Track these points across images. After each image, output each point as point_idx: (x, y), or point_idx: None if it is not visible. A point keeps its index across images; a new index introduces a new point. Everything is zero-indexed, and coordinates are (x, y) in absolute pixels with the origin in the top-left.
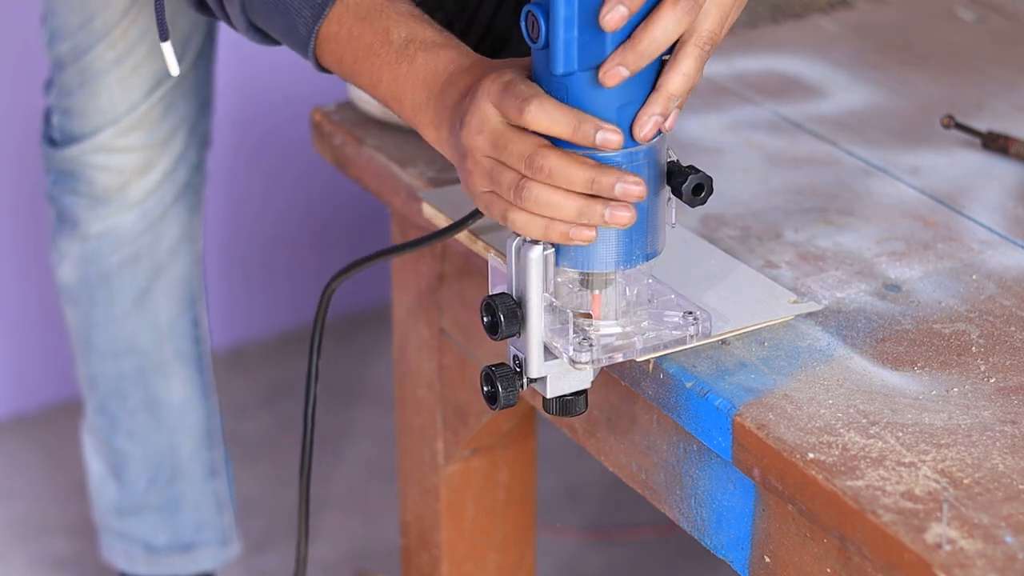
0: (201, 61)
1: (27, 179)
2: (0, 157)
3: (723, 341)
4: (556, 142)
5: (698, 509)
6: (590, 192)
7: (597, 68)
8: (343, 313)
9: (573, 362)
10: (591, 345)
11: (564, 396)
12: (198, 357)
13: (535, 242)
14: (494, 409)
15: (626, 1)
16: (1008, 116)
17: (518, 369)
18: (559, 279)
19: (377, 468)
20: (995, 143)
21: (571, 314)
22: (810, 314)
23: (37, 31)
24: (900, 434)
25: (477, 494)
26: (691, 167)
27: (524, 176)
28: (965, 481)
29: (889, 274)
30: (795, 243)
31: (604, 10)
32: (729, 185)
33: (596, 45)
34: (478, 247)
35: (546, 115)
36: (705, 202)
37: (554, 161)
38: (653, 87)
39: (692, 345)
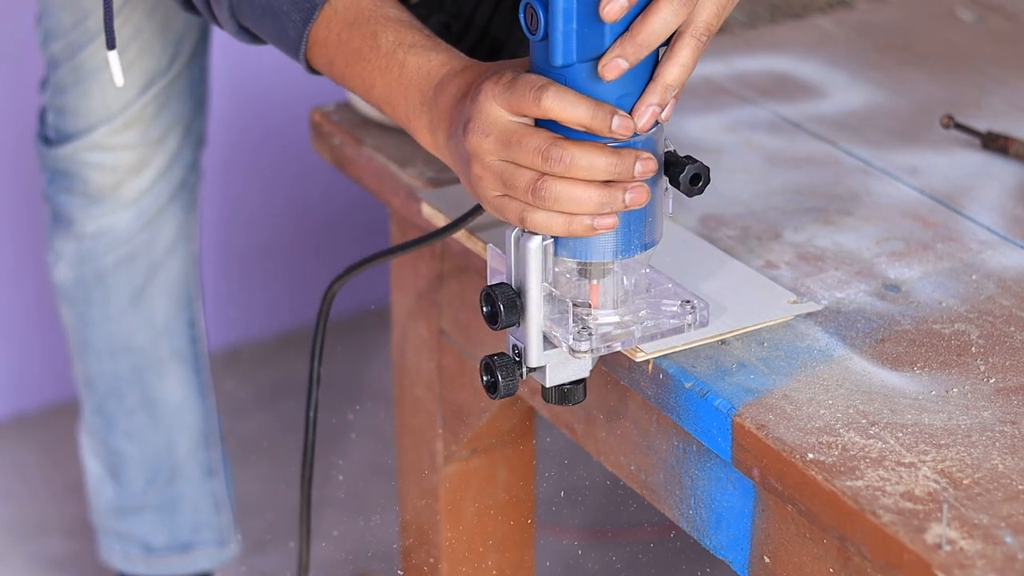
0: (195, 61)
1: (26, 179)
2: None
3: (722, 341)
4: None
5: (697, 509)
6: (611, 178)
7: (596, 59)
8: (343, 313)
9: (572, 351)
10: (590, 334)
11: (563, 385)
12: (195, 357)
13: (533, 232)
14: (494, 399)
15: None
16: (1008, 116)
17: (517, 359)
18: (557, 269)
19: (377, 468)
20: (995, 143)
21: (570, 303)
22: (809, 314)
23: (33, 31)
24: (900, 434)
25: (477, 494)
26: (688, 157)
27: (541, 174)
28: (965, 481)
29: (889, 274)
30: (795, 243)
31: (604, 1)
32: (729, 185)
33: (595, 36)
34: (477, 246)
35: (564, 100)
36: (703, 192)
37: (573, 151)
38: (650, 78)
39: (690, 334)
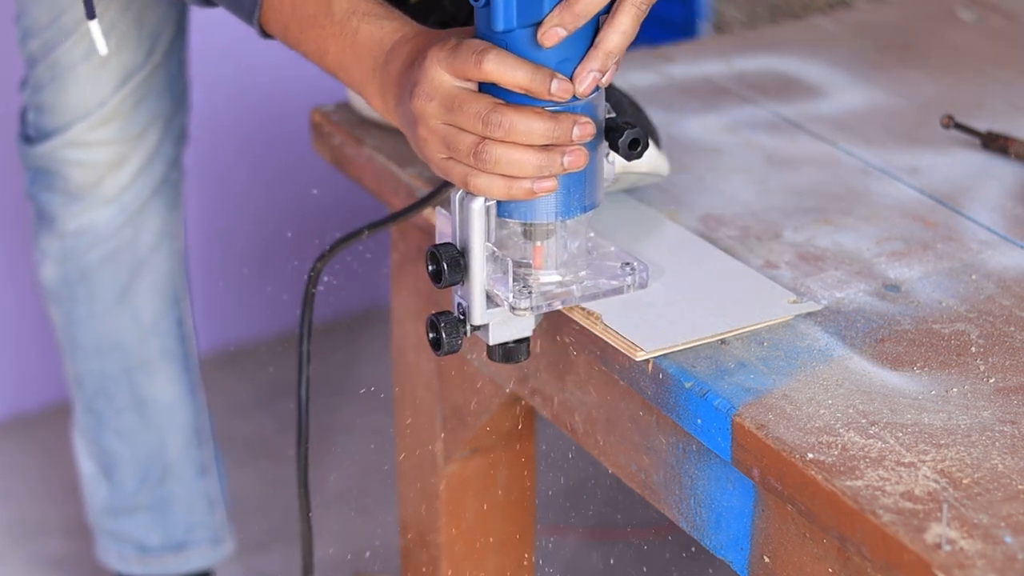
0: (172, 55)
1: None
2: None
3: (722, 341)
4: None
5: (697, 509)
6: (550, 142)
7: (536, 25)
8: (343, 313)
9: (513, 308)
10: (530, 292)
11: (506, 343)
12: (184, 356)
13: (476, 194)
14: (438, 354)
15: None
16: (1008, 116)
17: (462, 317)
18: (504, 231)
19: (376, 468)
20: (995, 143)
21: (510, 263)
22: (809, 314)
23: (12, 31)
24: (900, 434)
25: (477, 494)
26: (628, 123)
27: (482, 138)
28: (965, 481)
29: (888, 274)
30: (795, 243)
31: None
32: (729, 185)
33: (535, 3)
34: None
35: (504, 64)
36: (641, 156)
37: (512, 115)
38: (591, 44)
39: (628, 294)
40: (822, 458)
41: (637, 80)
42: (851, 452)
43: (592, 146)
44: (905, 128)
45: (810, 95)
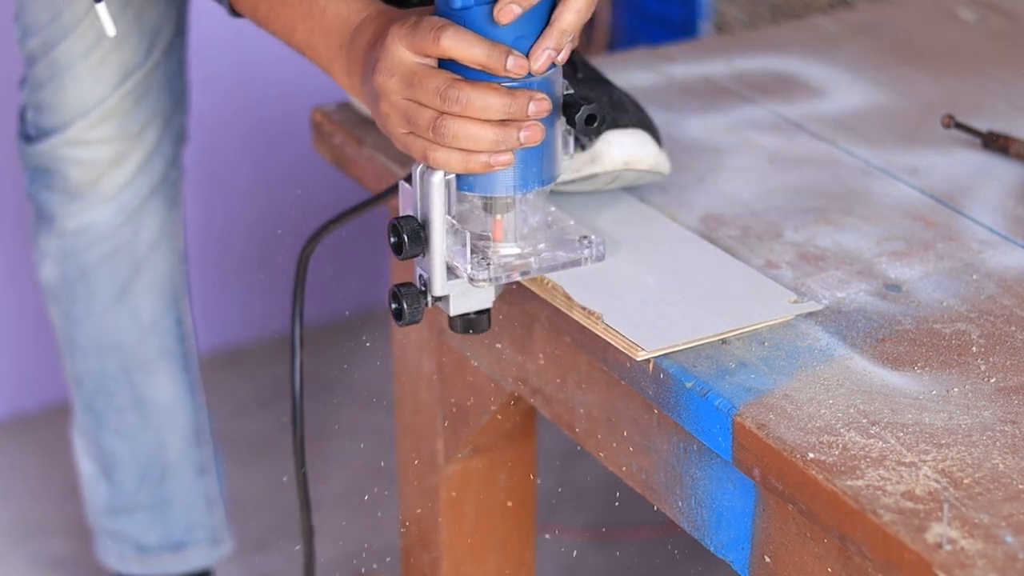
0: (171, 54)
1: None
2: None
3: (723, 341)
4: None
5: (698, 509)
6: (506, 117)
7: (493, 3)
8: (342, 313)
9: (472, 280)
10: (488, 264)
11: (467, 315)
12: (183, 355)
13: (436, 167)
14: (400, 325)
15: None
16: (1008, 116)
17: (423, 288)
18: (465, 205)
19: (376, 468)
20: (995, 143)
21: (468, 235)
22: (810, 314)
23: (12, 30)
24: (900, 434)
25: (477, 494)
26: (584, 98)
27: (441, 113)
28: (965, 481)
29: (889, 274)
30: (795, 243)
31: None
32: (729, 185)
33: None
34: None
35: (461, 40)
36: (599, 133)
37: (469, 91)
38: (547, 22)
39: (585, 267)
40: (823, 458)
41: (637, 80)
42: (852, 452)
43: (549, 121)
44: (906, 128)
45: (811, 95)
